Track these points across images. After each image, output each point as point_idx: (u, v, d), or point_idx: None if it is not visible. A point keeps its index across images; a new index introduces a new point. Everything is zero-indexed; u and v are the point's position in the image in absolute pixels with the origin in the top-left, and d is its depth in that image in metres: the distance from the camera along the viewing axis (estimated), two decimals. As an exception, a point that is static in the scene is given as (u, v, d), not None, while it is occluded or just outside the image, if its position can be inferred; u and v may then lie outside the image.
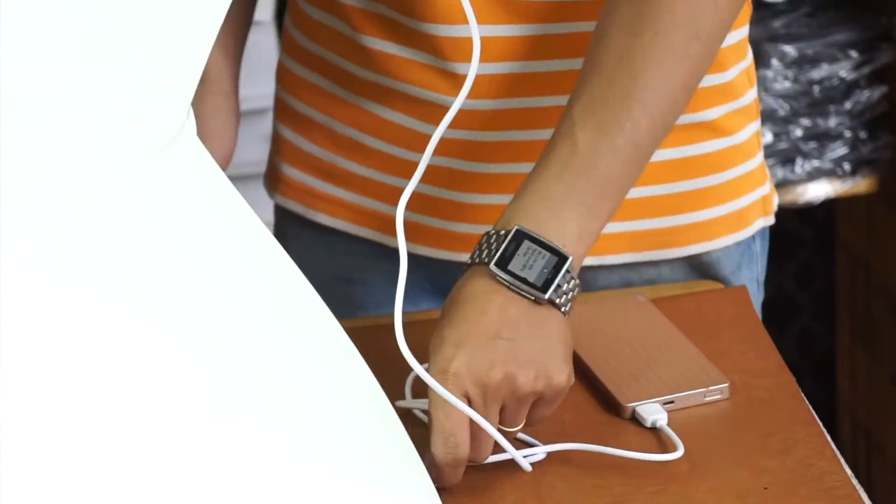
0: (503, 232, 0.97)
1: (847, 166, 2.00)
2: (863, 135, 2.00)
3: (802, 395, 1.02)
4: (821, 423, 0.99)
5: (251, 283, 0.89)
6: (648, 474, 0.95)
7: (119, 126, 0.85)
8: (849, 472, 0.94)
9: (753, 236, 1.20)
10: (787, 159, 1.98)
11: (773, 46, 1.95)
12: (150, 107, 0.87)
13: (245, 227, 0.88)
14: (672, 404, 1.00)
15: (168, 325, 0.87)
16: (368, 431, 0.91)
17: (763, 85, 1.93)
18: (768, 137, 1.95)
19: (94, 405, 0.83)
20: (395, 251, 0.93)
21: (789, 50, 1.94)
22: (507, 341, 0.95)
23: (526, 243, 0.97)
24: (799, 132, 1.97)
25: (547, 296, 0.96)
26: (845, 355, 2.31)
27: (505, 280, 0.96)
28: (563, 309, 0.97)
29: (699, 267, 1.17)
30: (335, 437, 0.89)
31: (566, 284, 0.97)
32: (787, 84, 1.95)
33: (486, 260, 0.97)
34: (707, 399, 1.01)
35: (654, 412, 0.99)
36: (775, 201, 1.22)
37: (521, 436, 0.98)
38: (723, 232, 1.16)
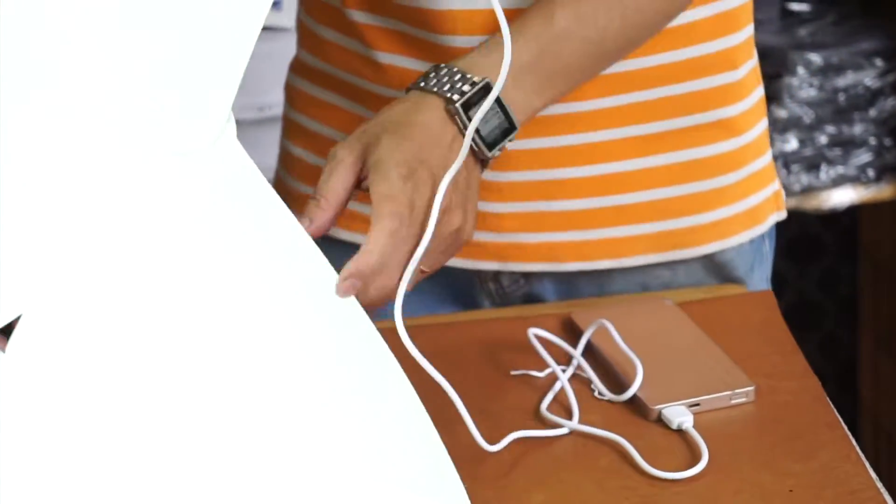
0: (474, 78, 1.00)
1: (871, 173, 2.00)
2: (887, 142, 2.00)
3: (827, 398, 1.02)
4: (846, 427, 0.99)
5: (291, 285, 0.90)
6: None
7: (162, 127, 0.86)
8: (873, 475, 0.94)
9: (763, 235, 1.21)
10: (811, 166, 1.98)
11: (798, 54, 1.96)
12: (194, 108, 0.88)
13: (284, 231, 0.88)
14: (698, 406, 1.00)
15: (208, 326, 0.88)
16: (400, 431, 0.92)
17: (789, 92, 1.95)
18: (793, 144, 1.96)
19: (142, 412, 0.85)
20: None
21: (815, 58, 1.95)
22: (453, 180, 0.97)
23: (490, 99, 0.98)
24: (824, 139, 1.98)
25: (490, 154, 1.00)
26: (868, 360, 2.31)
27: (463, 125, 0.99)
28: (486, 168, 1.02)
29: (714, 268, 1.18)
30: (369, 436, 0.90)
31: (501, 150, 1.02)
32: (813, 92, 1.96)
33: (448, 94, 0.99)
34: (733, 402, 1.01)
35: (679, 414, 0.99)
36: (783, 196, 1.25)
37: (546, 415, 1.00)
38: (738, 229, 1.18)
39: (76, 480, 0.86)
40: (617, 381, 1.04)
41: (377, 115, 1.00)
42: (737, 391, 1.01)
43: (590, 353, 1.07)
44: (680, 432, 0.99)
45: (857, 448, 0.97)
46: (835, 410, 1.01)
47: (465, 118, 0.98)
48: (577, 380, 1.04)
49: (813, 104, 1.97)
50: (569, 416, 0.99)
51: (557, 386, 1.03)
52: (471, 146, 0.98)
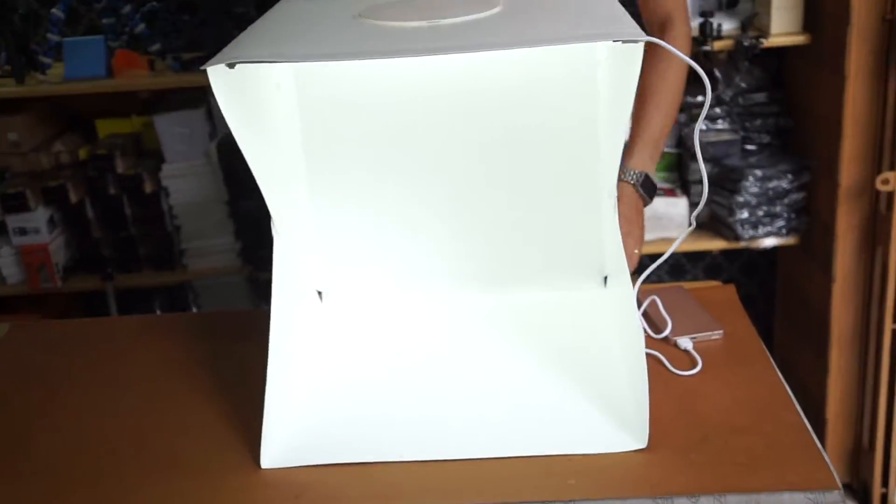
0: (644, 174, 1.11)
1: (784, 231, 1.94)
2: (793, 216, 1.94)
3: (760, 340, 1.04)
4: (771, 358, 1.00)
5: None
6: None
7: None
8: (779, 375, 0.97)
9: None
10: (754, 226, 1.93)
11: (750, 171, 1.89)
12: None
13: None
14: (695, 338, 1.03)
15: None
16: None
17: (744, 189, 1.89)
18: (745, 215, 1.90)
19: None
20: None
21: (758, 172, 1.89)
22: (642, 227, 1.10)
23: (649, 178, 1.11)
24: (760, 213, 1.92)
25: (651, 202, 1.12)
26: (780, 327, 2.18)
27: (644, 195, 1.10)
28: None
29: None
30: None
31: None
32: (756, 189, 1.89)
33: (636, 182, 1.10)
34: (712, 337, 1.03)
35: (686, 343, 1.02)
36: None
37: None
38: None
39: None
40: (658, 328, 1.06)
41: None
42: (714, 332, 1.03)
43: (645, 314, 1.08)
44: (686, 352, 1.01)
45: (771, 360, 1.00)
46: (764, 346, 1.03)
47: (643, 193, 1.11)
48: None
49: (756, 195, 1.89)
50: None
51: None
52: (645, 201, 1.10)
